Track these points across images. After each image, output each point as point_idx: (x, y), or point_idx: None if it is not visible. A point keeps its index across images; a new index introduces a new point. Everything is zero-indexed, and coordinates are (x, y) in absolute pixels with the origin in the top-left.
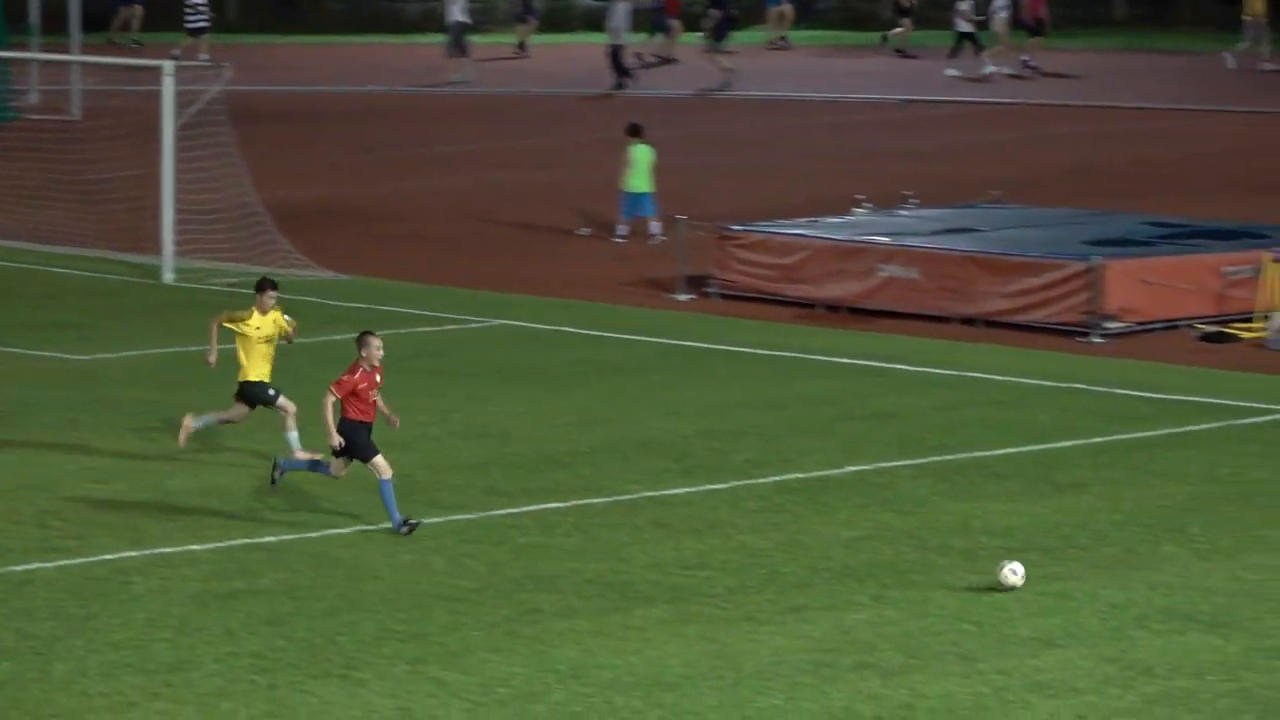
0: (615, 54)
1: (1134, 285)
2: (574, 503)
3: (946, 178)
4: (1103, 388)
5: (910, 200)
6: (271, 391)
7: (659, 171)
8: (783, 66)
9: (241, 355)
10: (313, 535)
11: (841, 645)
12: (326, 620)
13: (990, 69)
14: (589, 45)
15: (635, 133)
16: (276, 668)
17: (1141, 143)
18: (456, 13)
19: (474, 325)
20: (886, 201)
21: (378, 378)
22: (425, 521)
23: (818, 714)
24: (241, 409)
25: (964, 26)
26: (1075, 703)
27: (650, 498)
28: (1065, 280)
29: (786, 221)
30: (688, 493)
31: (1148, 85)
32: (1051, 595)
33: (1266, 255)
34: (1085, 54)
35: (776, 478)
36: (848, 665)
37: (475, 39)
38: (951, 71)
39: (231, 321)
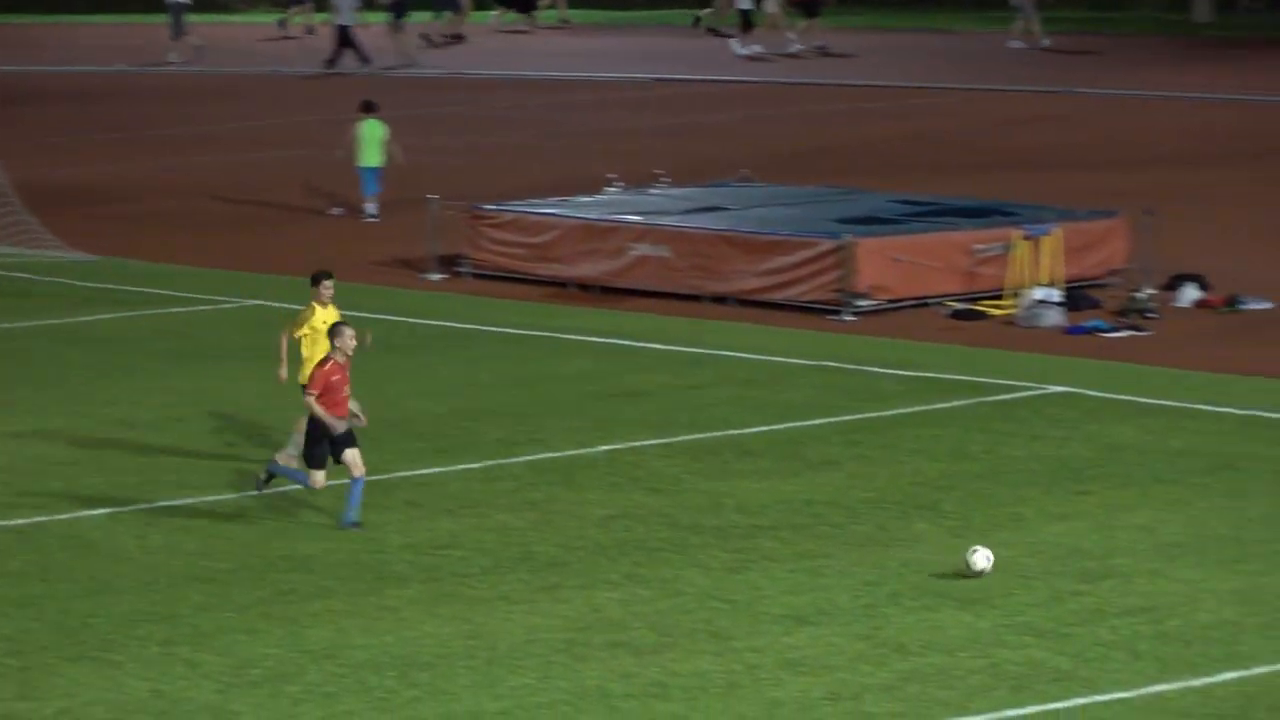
0: (343, 33)
1: (885, 263)
2: (328, 483)
3: (698, 156)
4: (854, 365)
5: (661, 179)
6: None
7: (408, 150)
8: (540, 46)
9: (305, 355)
10: (63, 517)
11: (594, 624)
12: (79, 602)
13: (750, 50)
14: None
15: (368, 109)
16: (28, 650)
17: (895, 120)
18: None
19: (225, 306)
20: (638, 180)
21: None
22: (177, 502)
23: (571, 692)
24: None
25: (744, 3)
26: (828, 680)
27: (404, 478)
28: (816, 258)
29: (538, 201)
30: (441, 472)
31: (905, 63)
32: (804, 573)
33: (1016, 233)
34: (840, 32)
35: (529, 457)
36: (600, 644)
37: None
38: (741, 50)
39: (298, 327)
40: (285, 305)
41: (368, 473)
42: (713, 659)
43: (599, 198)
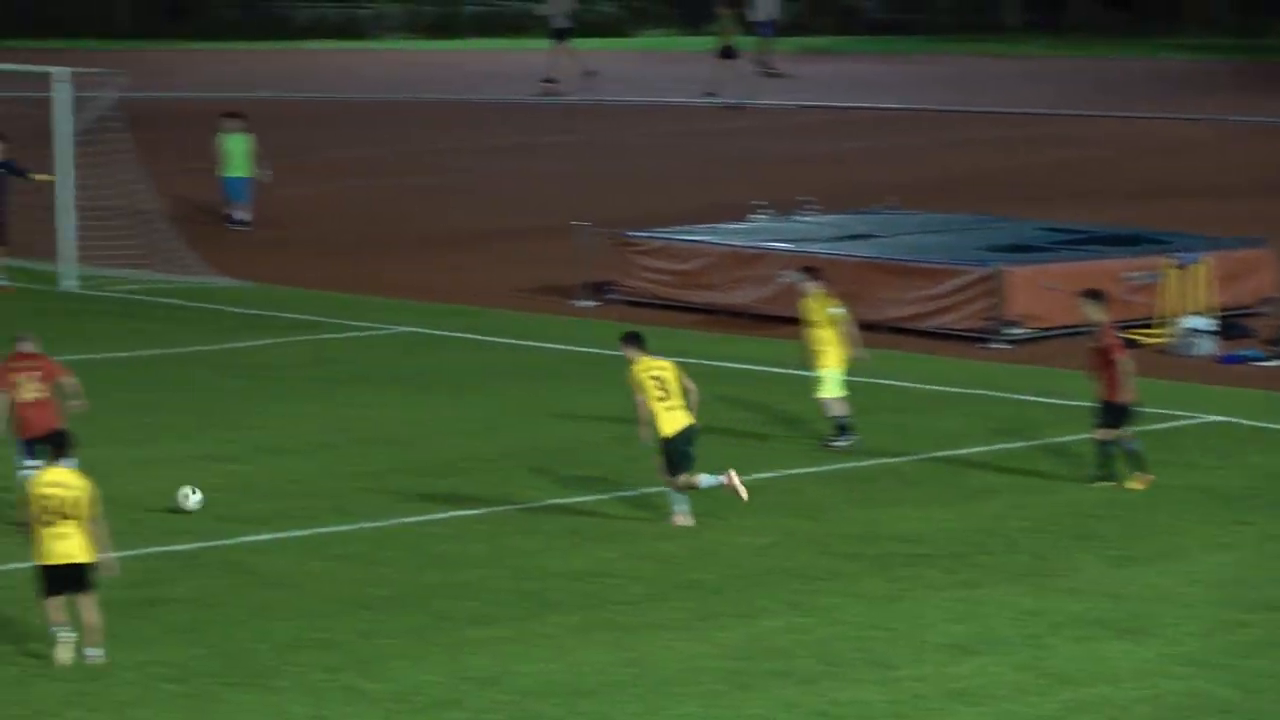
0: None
1: (1035, 291)
2: (484, 510)
3: (845, 183)
4: (1007, 394)
5: (809, 206)
6: None
7: (557, 178)
8: (675, 72)
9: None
10: (226, 543)
11: (756, 653)
12: (242, 628)
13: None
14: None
15: (231, 121)
16: (192, 676)
17: (1042, 146)
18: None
19: (375, 332)
20: (784, 207)
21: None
22: (334, 529)
23: None
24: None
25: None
26: (993, 710)
27: (560, 505)
28: (967, 286)
29: (687, 227)
30: (597, 500)
31: (1050, 90)
32: (965, 602)
33: (1166, 261)
34: (982, 59)
35: None
36: (763, 673)
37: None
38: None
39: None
40: (435, 332)
41: (523, 500)
42: (877, 688)
43: (747, 224)
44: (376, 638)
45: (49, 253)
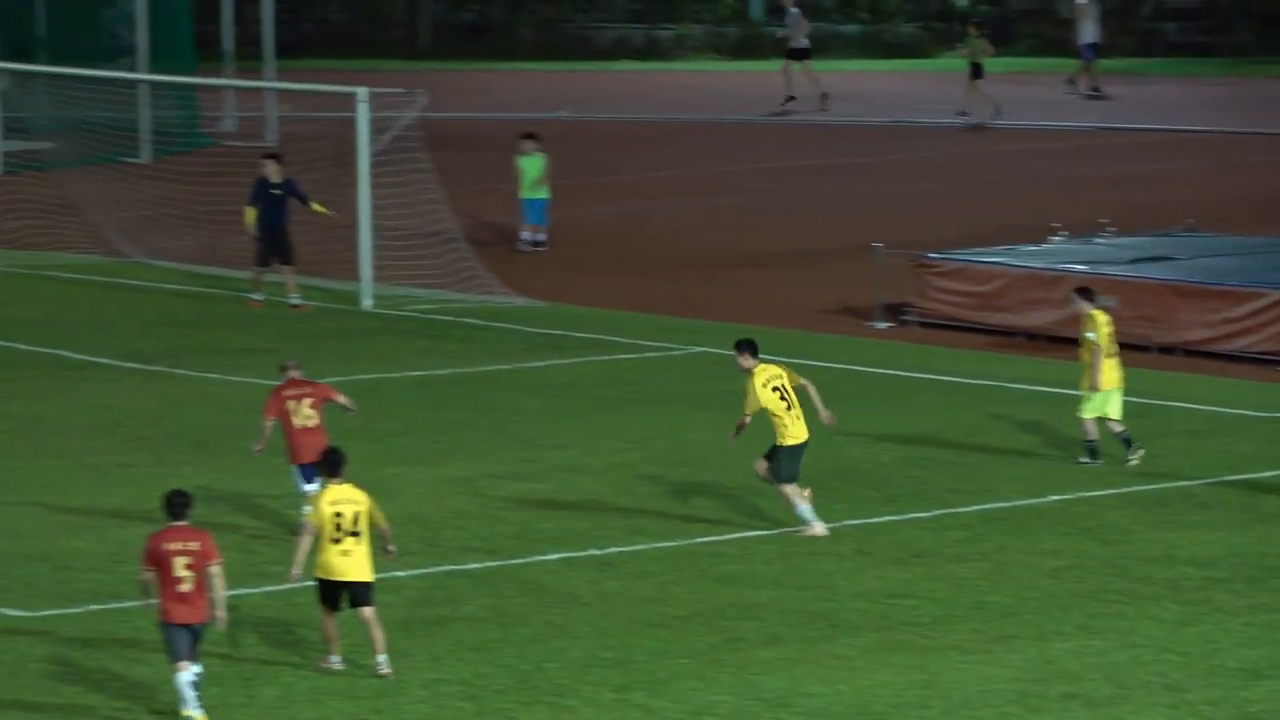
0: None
1: None
2: (776, 531)
3: (1141, 205)
4: None
5: (1107, 228)
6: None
7: (843, 199)
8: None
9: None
10: (517, 562)
11: (1047, 675)
12: (533, 647)
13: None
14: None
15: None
16: (483, 694)
17: None
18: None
19: (671, 352)
20: (1081, 229)
21: None
22: (629, 548)
23: None
24: None
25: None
26: None
27: (853, 526)
28: (1265, 309)
29: (983, 249)
30: (891, 521)
31: None
32: (1259, 626)
33: None
34: (1267, 81)
35: (979, 506)
36: (1054, 695)
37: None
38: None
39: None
40: (730, 352)
41: (826, 518)
42: (1168, 712)
43: (1044, 247)
44: (667, 657)
45: (345, 272)
